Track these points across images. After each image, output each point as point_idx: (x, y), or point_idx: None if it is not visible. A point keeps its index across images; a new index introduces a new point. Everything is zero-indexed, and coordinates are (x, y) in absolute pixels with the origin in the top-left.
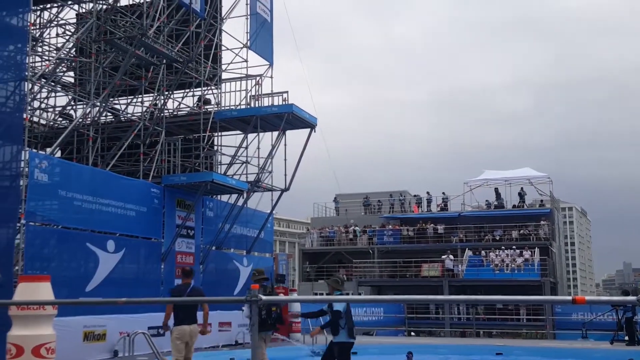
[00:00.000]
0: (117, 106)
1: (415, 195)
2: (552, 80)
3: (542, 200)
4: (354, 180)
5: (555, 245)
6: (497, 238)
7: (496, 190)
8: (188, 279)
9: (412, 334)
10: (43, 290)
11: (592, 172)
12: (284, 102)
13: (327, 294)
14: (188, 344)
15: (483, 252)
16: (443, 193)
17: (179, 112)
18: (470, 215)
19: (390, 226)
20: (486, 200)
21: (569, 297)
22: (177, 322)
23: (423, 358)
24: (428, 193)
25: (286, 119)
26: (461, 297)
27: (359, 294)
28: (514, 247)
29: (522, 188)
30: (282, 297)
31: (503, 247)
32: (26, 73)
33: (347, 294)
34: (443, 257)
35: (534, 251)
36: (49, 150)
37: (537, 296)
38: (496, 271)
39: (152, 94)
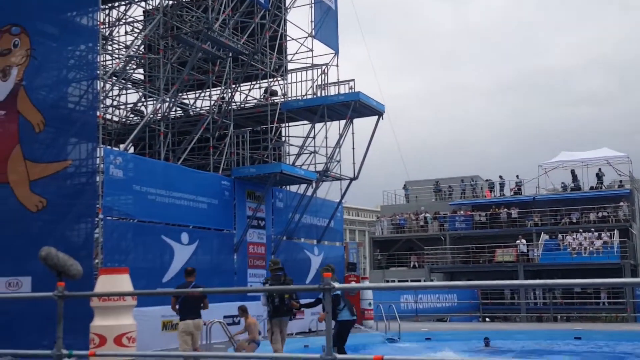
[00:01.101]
0: (186, 101)
1: (487, 180)
2: (633, 58)
3: (621, 181)
4: (423, 167)
5: (635, 226)
6: (574, 221)
7: (572, 172)
8: (191, 277)
9: (487, 319)
10: (123, 282)
11: None
12: (350, 90)
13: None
14: (193, 336)
15: (559, 236)
16: (517, 176)
17: (246, 105)
18: (545, 199)
19: (461, 212)
20: (562, 183)
21: None
22: (182, 317)
23: (500, 343)
24: (501, 177)
25: (353, 107)
26: (539, 282)
27: (431, 281)
28: (592, 229)
29: (600, 169)
30: (353, 284)
31: (580, 230)
32: (98, 71)
33: (338, 281)
34: (517, 242)
35: (613, 233)
36: (122, 146)
37: (618, 279)
38: (573, 255)
39: (219, 88)
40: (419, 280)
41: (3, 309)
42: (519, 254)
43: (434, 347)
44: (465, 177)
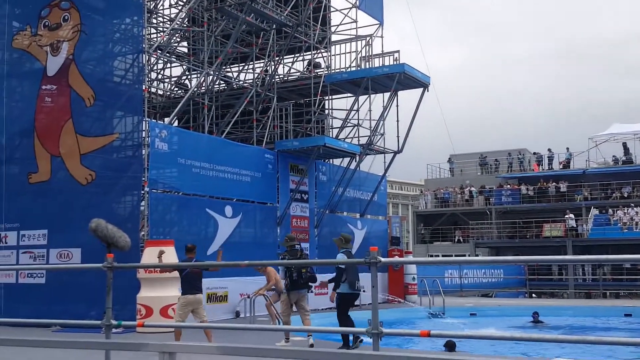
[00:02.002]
0: (230, 74)
1: (535, 153)
2: None
3: None
4: (469, 140)
5: None
6: (626, 195)
7: (624, 144)
8: (191, 254)
9: (534, 295)
10: (168, 254)
11: None
12: (395, 62)
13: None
14: (196, 311)
15: (610, 211)
16: (567, 149)
17: (289, 77)
18: (595, 172)
19: (508, 186)
20: (613, 156)
21: None
22: (183, 292)
23: (549, 320)
24: (549, 150)
25: (398, 79)
26: (589, 257)
27: (476, 256)
28: None
29: None
30: (397, 258)
31: (632, 205)
32: (143, 45)
33: (351, 252)
34: (566, 216)
35: None
36: (167, 120)
37: None
38: (624, 230)
39: (262, 60)
40: (464, 255)
41: (54, 280)
42: (568, 229)
43: (480, 323)
44: (512, 150)
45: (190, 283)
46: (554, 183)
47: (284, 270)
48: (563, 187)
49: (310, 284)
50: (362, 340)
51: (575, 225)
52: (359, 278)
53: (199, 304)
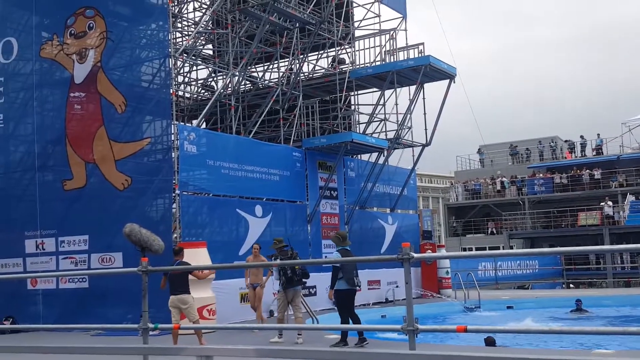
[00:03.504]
0: (255, 74)
1: (566, 141)
2: None
3: None
4: (499, 129)
5: None
6: None
7: None
8: (178, 256)
9: (571, 286)
10: (201, 256)
11: None
12: (420, 55)
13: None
14: (184, 311)
15: None
16: (598, 135)
17: (314, 75)
18: (630, 158)
19: (540, 175)
20: None
21: None
22: (170, 293)
23: (590, 310)
24: (582, 137)
25: (423, 71)
26: (628, 247)
27: (511, 247)
28: None
29: None
30: (429, 254)
31: None
32: (169, 50)
33: (348, 249)
34: (602, 204)
35: None
36: (195, 122)
37: None
38: None
39: (287, 59)
40: (498, 247)
41: (94, 284)
42: (604, 217)
43: (518, 316)
44: (543, 138)
45: (174, 283)
46: (587, 170)
47: (278, 269)
48: (597, 174)
49: (304, 280)
50: (367, 342)
51: (611, 213)
52: (357, 274)
53: (182, 303)
